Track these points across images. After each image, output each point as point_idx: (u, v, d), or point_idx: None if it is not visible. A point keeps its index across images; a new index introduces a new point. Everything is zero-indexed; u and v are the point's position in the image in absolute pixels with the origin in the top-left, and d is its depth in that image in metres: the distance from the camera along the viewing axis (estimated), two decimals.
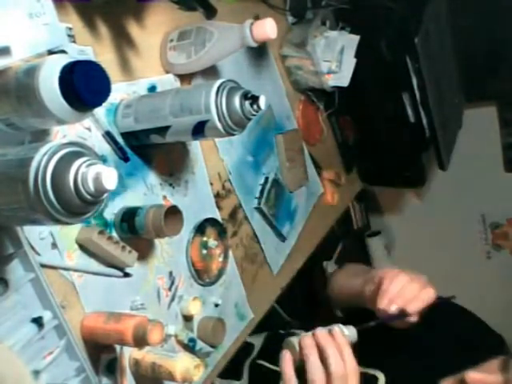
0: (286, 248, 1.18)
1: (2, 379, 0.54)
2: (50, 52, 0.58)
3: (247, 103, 0.69)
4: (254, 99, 0.70)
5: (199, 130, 0.71)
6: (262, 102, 0.70)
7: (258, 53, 1.11)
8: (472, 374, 0.73)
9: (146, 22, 0.82)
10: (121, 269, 0.75)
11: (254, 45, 0.78)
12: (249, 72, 1.07)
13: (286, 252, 1.18)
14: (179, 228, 0.76)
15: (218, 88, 0.69)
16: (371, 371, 0.90)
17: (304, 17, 1.24)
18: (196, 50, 0.81)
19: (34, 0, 0.56)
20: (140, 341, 0.67)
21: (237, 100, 0.69)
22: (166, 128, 0.73)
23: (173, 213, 0.75)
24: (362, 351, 0.78)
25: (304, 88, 1.25)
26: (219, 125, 0.69)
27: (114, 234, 0.75)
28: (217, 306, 0.94)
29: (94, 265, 0.72)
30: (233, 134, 0.72)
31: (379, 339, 0.83)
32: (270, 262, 1.12)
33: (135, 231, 0.74)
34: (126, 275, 0.75)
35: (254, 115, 0.71)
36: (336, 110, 1.37)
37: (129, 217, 0.74)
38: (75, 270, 0.69)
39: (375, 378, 0.89)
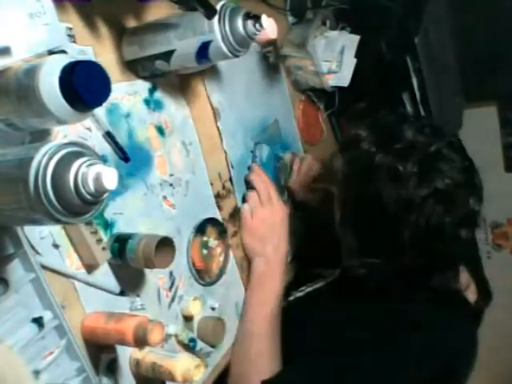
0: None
1: (2, 379, 0.54)
2: (50, 52, 0.58)
3: (250, 22, 0.70)
4: (256, 18, 0.71)
5: (203, 52, 0.72)
6: (265, 20, 0.71)
7: (270, 68, 1.12)
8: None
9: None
10: (121, 292, 0.74)
11: (254, 45, 0.78)
12: (259, 87, 1.08)
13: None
14: (169, 260, 0.74)
15: (221, 9, 0.70)
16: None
17: (304, 17, 1.24)
18: None
19: (33, 0, 0.56)
20: (140, 341, 0.67)
21: (239, 19, 0.70)
22: (171, 52, 0.74)
23: (166, 244, 0.73)
24: None
25: (304, 88, 1.25)
26: (223, 45, 0.70)
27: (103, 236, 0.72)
28: (213, 309, 0.93)
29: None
30: (237, 56, 0.73)
31: None
32: None
33: (124, 255, 0.72)
34: (122, 293, 0.74)
35: (257, 34, 0.72)
36: (336, 110, 1.37)
37: (122, 241, 0.72)
38: (74, 279, 0.68)
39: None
